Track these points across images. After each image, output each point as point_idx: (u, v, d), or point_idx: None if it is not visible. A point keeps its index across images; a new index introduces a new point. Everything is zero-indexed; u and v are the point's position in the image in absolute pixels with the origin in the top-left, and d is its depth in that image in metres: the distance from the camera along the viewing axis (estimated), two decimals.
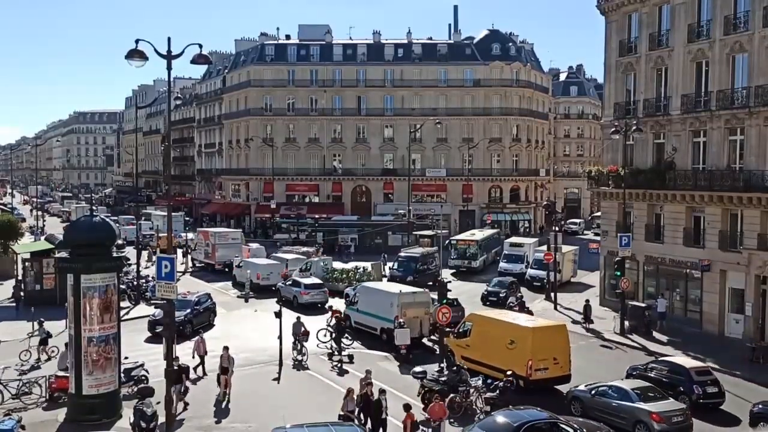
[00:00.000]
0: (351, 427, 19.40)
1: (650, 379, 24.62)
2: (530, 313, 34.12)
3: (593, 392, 23.06)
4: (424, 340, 32.74)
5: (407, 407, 20.12)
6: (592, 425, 20.74)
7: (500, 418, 19.43)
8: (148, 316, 35.44)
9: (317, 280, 43.76)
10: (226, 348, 25.29)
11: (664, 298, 36.94)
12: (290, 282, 43.62)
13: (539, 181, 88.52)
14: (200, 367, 27.44)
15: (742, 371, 28.56)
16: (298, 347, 29.89)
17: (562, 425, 19.18)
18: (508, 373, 24.17)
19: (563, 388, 25.45)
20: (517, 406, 20.79)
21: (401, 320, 30.93)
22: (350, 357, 29.78)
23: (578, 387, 24.10)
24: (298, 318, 31.41)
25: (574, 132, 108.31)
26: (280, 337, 28.91)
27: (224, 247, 55.63)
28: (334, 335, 31.08)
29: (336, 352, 30.29)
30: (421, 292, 34.74)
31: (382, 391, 21.11)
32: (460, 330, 29.03)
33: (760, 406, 22.03)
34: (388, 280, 46.04)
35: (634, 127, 35.85)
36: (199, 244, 58.39)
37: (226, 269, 53.23)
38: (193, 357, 27.46)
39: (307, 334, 30.58)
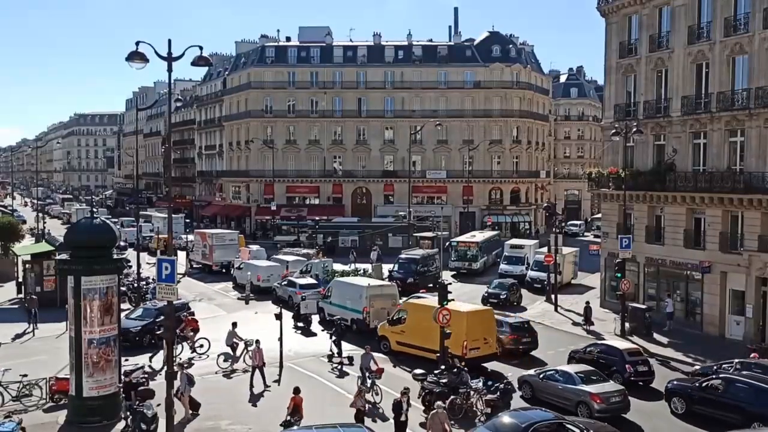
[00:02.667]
0: (359, 428, 19.46)
1: (588, 361, 27.16)
2: None
3: (542, 376, 24.94)
4: None
5: (297, 390, 21.40)
6: (598, 425, 20.81)
7: (507, 419, 19.50)
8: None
9: (313, 281, 43.90)
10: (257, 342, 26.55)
11: (672, 298, 37.02)
12: (286, 282, 43.82)
13: (539, 182, 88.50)
14: (259, 376, 26.31)
15: None
16: (368, 384, 24.68)
17: (568, 425, 19.25)
18: (509, 375, 24.28)
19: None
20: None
21: (368, 311, 34.03)
22: (350, 359, 29.77)
23: (528, 372, 26.19)
24: (368, 349, 26.76)
25: (575, 134, 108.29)
26: (280, 339, 28.93)
27: (221, 248, 55.72)
28: (334, 337, 31.06)
29: (336, 354, 30.30)
30: (388, 285, 38.69)
31: (404, 393, 21.13)
32: (394, 318, 31.67)
33: (675, 382, 24.67)
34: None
35: (635, 129, 35.84)
36: (197, 246, 58.45)
37: (224, 270, 53.28)
38: (248, 366, 26.62)
39: (381, 371, 25.99)
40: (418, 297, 38.41)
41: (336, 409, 23.47)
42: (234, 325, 30.71)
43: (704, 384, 23.44)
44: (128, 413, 20.82)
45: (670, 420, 23.58)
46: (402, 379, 27.21)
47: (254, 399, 23.18)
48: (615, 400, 23.02)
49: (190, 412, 22.90)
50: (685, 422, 23.10)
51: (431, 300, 31.75)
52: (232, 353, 29.54)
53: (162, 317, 29.91)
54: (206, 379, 26.88)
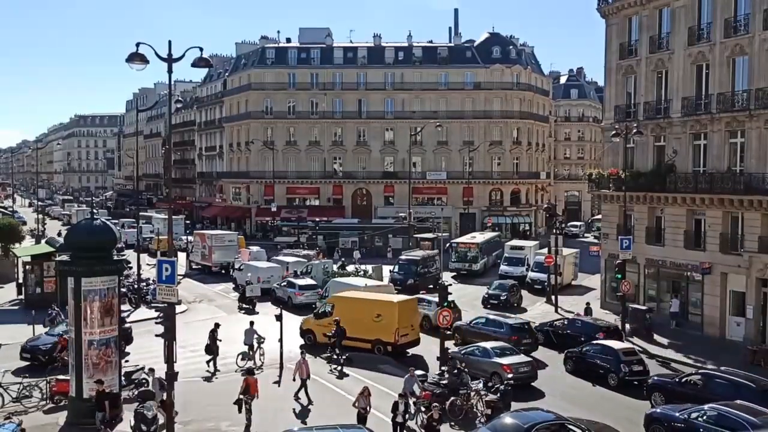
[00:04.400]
0: (360, 429, 19.46)
1: (585, 361, 28.63)
2: None
3: (463, 352, 28.26)
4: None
5: (251, 372, 23.25)
6: (599, 425, 20.90)
7: (508, 419, 19.57)
8: (150, 319, 35.33)
9: (311, 281, 43.92)
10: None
11: (678, 298, 37.13)
12: (285, 283, 43.87)
13: (540, 184, 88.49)
14: (302, 390, 25.12)
15: None
16: (412, 411, 22.62)
17: (569, 425, 19.29)
18: (509, 375, 24.44)
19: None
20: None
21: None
22: (349, 360, 29.76)
23: (454, 350, 29.12)
24: (411, 371, 24.87)
25: (575, 135, 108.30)
26: (280, 340, 28.91)
27: (221, 249, 55.75)
28: (333, 339, 31.05)
29: (335, 356, 30.29)
30: (385, 285, 39.84)
31: (401, 395, 21.37)
32: (320, 311, 33.42)
33: (655, 378, 25.56)
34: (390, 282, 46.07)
35: (635, 130, 35.85)
36: (196, 247, 58.46)
37: (223, 271, 53.32)
38: (294, 380, 25.41)
39: (428, 396, 23.57)
40: (419, 298, 38.68)
41: (336, 409, 23.50)
42: (252, 324, 30.80)
43: (684, 379, 24.22)
44: (102, 426, 20.61)
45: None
46: (402, 379, 27.20)
47: (255, 401, 23.08)
48: (523, 369, 26.62)
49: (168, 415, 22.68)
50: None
51: (358, 293, 34.92)
52: (249, 352, 29.64)
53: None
54: (207, 380, 26.88)
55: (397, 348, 30.46)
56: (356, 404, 21.32)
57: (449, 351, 27.70)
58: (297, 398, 24.85)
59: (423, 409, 22.00)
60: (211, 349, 28.91)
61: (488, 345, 28.14)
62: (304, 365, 24.96)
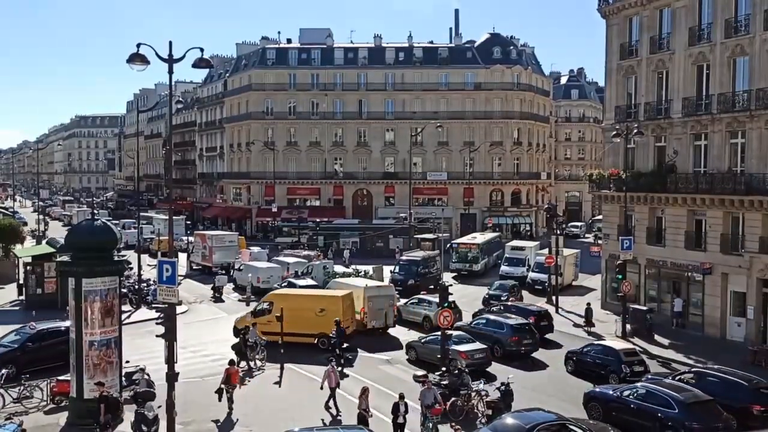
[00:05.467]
0: (360, 430, 19.45)
1: (586, 361, 28.74)
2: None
3: (423, 341, 30.18)
4: (390, 330, 36.07)
5: (231, 362, 24.50)
6: (599, 426, 20.91)
7: (510, 420, 19.60)
8: (150, 320, 35.33)
9: (311, 281, 43.92)
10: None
11: (680, 298, 37.19)
12: (285, 284, 43.83)
13: (540, 184, 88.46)
14: (331, 400, 23.89)
15: None
16: (430, 426, 21.46)
17: (571, 426, 19.30)
18: (510, 376, 24.43)
19: None
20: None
21: (366, 311, 35.26)
22: (349, 360, 29.75)
23: (413, 339, 31.13)
24: (428, 384, 22.71)
25: (575, 135, 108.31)
26: (281, 341, 28.89)
27: (221, 249, 55.75)
28: (334, 340, 31.05)
29: (335, 356, 30.23)
30: (385, 286, 39.56)
31: (401, 396, 21.32)
32: (257, 309, 33.70)
33: (650, 377, 25.35)
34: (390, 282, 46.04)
35: (635, 131, 35.83)
36: (197, 247, 58.47)
37: (223, 272, 53.38)
38: (321, 388, 24.06)
39: (439, 412, 21.93)
40: (420, 299, 38.78)
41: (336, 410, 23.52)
42: (254, 325, 31.16)
43: (677, 378, 24.29)
44: (101, 427, 20.57)
45: None
46: (402, 380, 27.23)
47: (256, 401, 23.07)
48: (478, 356, 28.51)
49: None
50: None
51: (299, 290, 37.33)
52: (251, 350, 29.79)
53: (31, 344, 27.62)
54: (207, 381, 26.84)
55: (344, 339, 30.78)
56: (360, 407, 21.22)
57: (409, 342, 30.06)
58: (327, 408, 23.65)
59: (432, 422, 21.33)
60: (243, 352, 28.97)
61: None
62: (333, 374, 23.97)
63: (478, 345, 29.28)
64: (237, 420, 22.98)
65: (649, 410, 21.01)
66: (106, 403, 20.94)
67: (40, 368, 26.45)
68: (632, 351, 28.75)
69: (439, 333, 28.77)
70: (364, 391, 21.37)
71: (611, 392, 22.63)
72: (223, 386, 23.62)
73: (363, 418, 20.93)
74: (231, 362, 24.76)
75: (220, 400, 23.54)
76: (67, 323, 25.23)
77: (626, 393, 22.05)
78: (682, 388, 21.96)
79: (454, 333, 29.62)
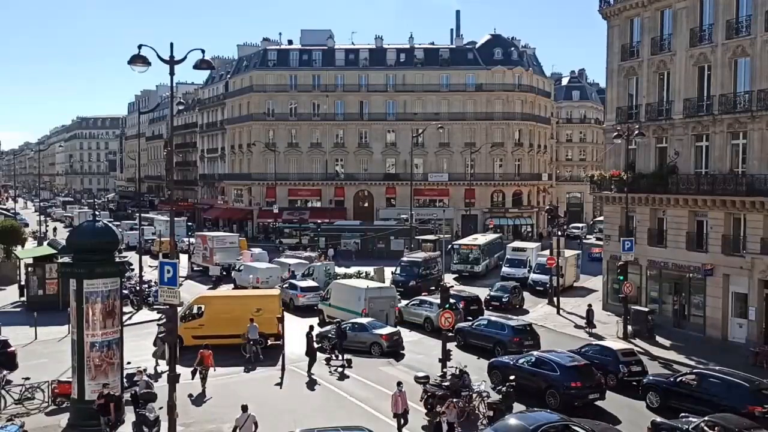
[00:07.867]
0: (361, 430, 19.47)
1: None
2: None
3: (348, 328, 32.10)
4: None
5: (206, 347, 26.28)
6: (602, 426, 20.90)
7: (513, 421, 19.60)
8: (151, 321, 35.32)
9: (313, 283, 43.94)
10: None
11: (682, 298, 37.13)
12: (287, 285, 43.87)
13: (542, 185, 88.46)
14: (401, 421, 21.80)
15: None
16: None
17: (574, 426, 19.31)
18: (511, 377, 24.40)
19: None
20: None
21: (367, 312, 34.95)
22: (349, 361, 29.75)
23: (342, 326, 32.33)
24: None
25: (577, 136, 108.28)
26: (282, 342, 28.88)
27: (222, 250, 55.77)
28: (334, 340, 31.06)
29: (335, 357, 30.29)
30: (387, 287, 39.56)
31: (399, 383, 21.86)
32: (187, 313, 32.35)
33: (650, 377, 25.93)
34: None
35: (637, 132, 35.80)
36: (197, 248, 58.48)
37: (224, 273, 53.44)
38: (394, 415, 21.78)
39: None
40: (421, 300, 38.78)
41: (336, 411, 23.50)
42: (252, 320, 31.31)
43: (678, 379, 24.42)
44: (107, 429, 20.58)
45: (644, 413, 23.92)
46: (402, 381, 27.17)
47: (257, 402, 22.95)
48: (395, 338, 32.06)
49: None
50: (659, 416, 23.04)
51: (229, 291, 38.04)
52: (254, 348, 30.28)
53: None
54: (207, 382, 26.84)
55: (280, 338, 29.87)
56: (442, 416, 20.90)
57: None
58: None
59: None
60: (311, 352, 28.81)
61: (366, 321, 32.96)
62: (400, 398, 21.59)
63: (394, 329, 32.79)
64: (210, 398, 25.07)
65: (538, 373, 25.28)
66: (115, 402, 20.98)
67: None
68: (630, 351, 28.79)
69: (356, 320, 33.28)
70: (448, 404, 21.24)
71: (509, 360, 27.01)
72: (197, 368, 25.93)
73: (439, 426, 20.82)
74: (206, 347, 26.53)
75: (192, 378, 25.90)
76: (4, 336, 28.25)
77: (521, 361, 26.30)
78: (567, 355, 26.07)
79: (369, 320, 33.16)
